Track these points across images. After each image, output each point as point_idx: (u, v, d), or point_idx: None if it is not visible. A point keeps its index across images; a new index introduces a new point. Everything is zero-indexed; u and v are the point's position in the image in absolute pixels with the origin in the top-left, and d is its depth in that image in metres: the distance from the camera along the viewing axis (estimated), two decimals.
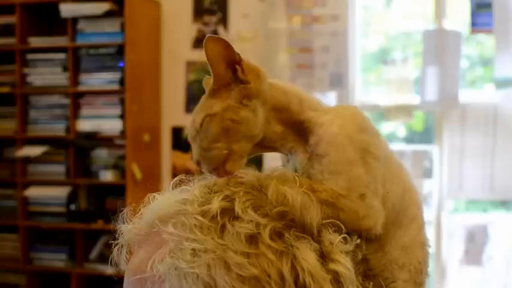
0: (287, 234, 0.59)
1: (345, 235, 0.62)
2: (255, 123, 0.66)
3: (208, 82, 0.70)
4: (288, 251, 0.58)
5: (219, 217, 0.59)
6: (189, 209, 0.61)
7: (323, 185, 0.65)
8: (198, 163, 0.66)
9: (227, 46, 0.65)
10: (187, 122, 0.74)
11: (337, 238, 0.61)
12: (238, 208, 0.60)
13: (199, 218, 0.60)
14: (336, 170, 0.66)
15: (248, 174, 0.65)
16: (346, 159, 0.66)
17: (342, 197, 0.65)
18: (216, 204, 0.60)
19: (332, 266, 0.59)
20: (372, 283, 0.66)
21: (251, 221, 0.59)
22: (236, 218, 0.59)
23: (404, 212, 0.71)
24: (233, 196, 0.61)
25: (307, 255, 0.58)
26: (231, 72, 0.66)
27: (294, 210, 0.60)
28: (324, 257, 0.60)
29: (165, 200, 0.65)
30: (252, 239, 0.58)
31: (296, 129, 0.69)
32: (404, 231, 0.71)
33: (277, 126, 0.69)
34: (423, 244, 0.73)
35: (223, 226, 0.59)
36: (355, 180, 0.66)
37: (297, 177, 0.65)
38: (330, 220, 0.63)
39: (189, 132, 0.67)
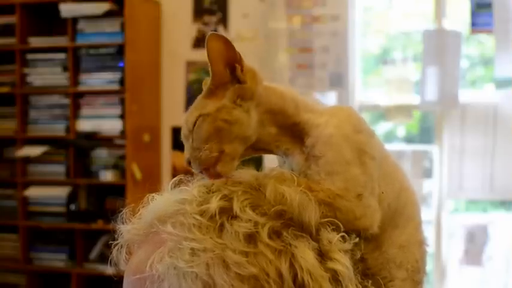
0: (285, 233, 0.59)
1: (343, 234, 0.62)
2: (248, 124, 0.66)
3: (207, 83, 0.70)
4: (286, 249, 0.58)
5: (217, 216, 0.60)
6: (188, 208, 0.61)
7: (320, 185, 0.65)
8: (189, 163, 0.66)
9: (228, 44, 0.65)
10: None
11: (335, 237, 0.61)
12: (236, 207, 0.60)
13: (198, 217, 0.60)
14: (333, 170, 0.66)
15: (246, 173, 0.65)
16: (342, 159, 0.66)
17: (339, 197, 0.65)
18: (214, 203, 0.61)
19: (331, 264, 0.59)
20: (370, 281, 0.66)
21: (249, 220, 0.59)
22: (234, 217, 0.59)
23: (400, 212, 0.72)
24: (231, 195, 0.61)
25: (306, 254, 0.58)
26: (230, 71, 0.66)
27: (292, 209, 0.61)
28: (323, 256, 0.60)
29: (163, 200, 0.66)
30: (251, 238, 0.58)
31: (291, 131, 0.69)
32: (401, 231, 0.71)
33: (272, 128, 0.68)
34: (420, 243, 0.73)
35: (221, 225, 0.59)
36: (352, 181, 0.66)
37: (295, 176, 0.65)
38: (328, 219, 0.63)
39: (182, 132, 0.67)
